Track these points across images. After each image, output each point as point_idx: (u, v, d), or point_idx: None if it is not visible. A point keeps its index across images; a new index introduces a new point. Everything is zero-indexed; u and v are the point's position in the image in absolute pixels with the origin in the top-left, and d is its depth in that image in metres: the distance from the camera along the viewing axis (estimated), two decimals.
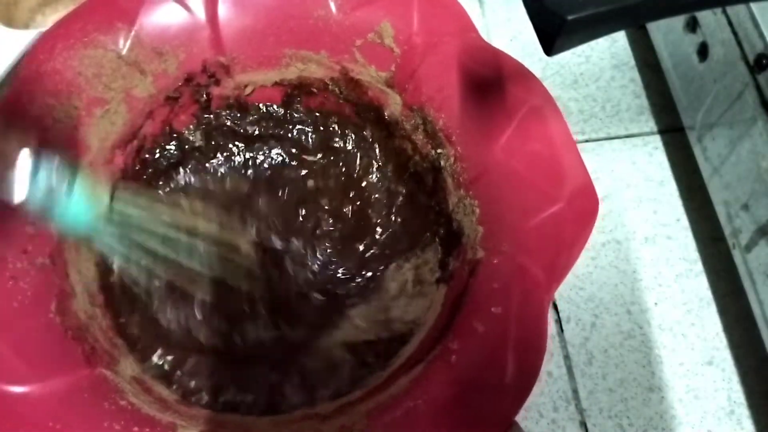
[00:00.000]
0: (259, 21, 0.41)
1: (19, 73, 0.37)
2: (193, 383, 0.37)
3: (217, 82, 0.43)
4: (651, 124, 0.56)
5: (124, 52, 0.39)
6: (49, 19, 0.56)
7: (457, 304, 0.34)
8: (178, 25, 0.40)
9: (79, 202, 0.33)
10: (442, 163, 0.40)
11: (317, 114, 0.46)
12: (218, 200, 0.44)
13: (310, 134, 0.46)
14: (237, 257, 0.41)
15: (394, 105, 0.42)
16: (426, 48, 0.39)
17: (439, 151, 0.40)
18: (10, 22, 0.51)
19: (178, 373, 0.38)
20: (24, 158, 0.30)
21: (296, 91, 0.44)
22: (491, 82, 0.36)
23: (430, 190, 0.42)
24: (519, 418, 0.40)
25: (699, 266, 0.50)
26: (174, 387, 0.37)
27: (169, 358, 0.38)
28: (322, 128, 0.46)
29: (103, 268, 0.39)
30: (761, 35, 0.39)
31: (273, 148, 0.46)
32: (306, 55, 0.42)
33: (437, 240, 0.41)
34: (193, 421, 0.33)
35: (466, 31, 0.38)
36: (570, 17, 0.23)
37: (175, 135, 0.44)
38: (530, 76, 0.36)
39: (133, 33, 0.39)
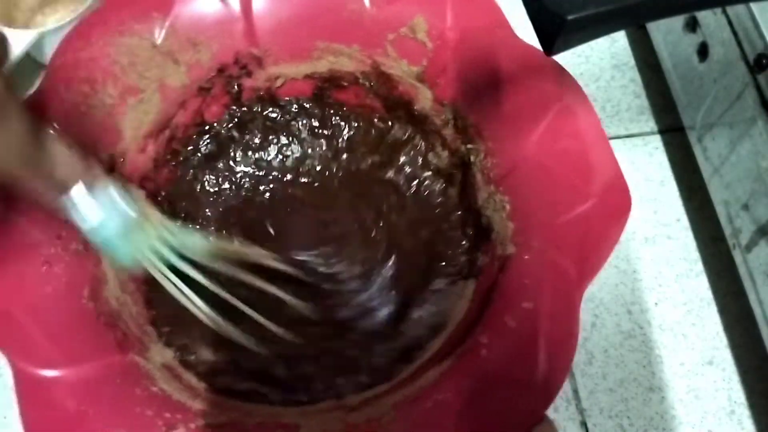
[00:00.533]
0: (293, 13, 0.41)
1: (55, 60, 0.38)
2: (221, 373, 0.37)
3: (249, 74, 0.43)
4: (651, 124, 0.56)
5: (159, 41, 0.39)
6: (49, 19, 0.56)
7: (487, 299, 0.34)
8: (213, 16, 0.40)
9: (131, 242, 0.33)
10: (472, 158, 0.40)
11: (346, 109, 0.46)
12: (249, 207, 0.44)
13: (342, 128, 0.46)
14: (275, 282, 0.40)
15: (424, 100, 0.42)
16: (459, 43, 0.39)
17: (469, 146, 0.40)
18: (10, 22, 0.51)
19: (207, 362, 0.38)
20: (104, 188, 0.31)
21: (327, 84, 0.45)
22: (524, 78, 0.36)
23: (459, 186, 0.42)
24: None
25: (699, 266, 0.50)
26: (203, 375, 0.37)
27: (199, 347, 0.38)
28: (353, 123, 0.46)
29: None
30: (761, 35, 0.39)
31: (301, 141, 0.46)
32: (338, 48, 0.42)
33: (466, 236, 0.41)
34: (221, 409, 0.33)
35: (500, 26, 0.38)
36: (570, 17, 0.23)
37: (206, 126, 0.44)
38: (564, 73, 0.36)
39: (168, 23, 0.39)
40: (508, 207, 0.36)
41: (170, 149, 0.43)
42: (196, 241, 0.36)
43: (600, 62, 0.59)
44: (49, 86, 0.37)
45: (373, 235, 0.44)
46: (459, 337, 0.35)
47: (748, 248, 0.42)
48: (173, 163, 0.44)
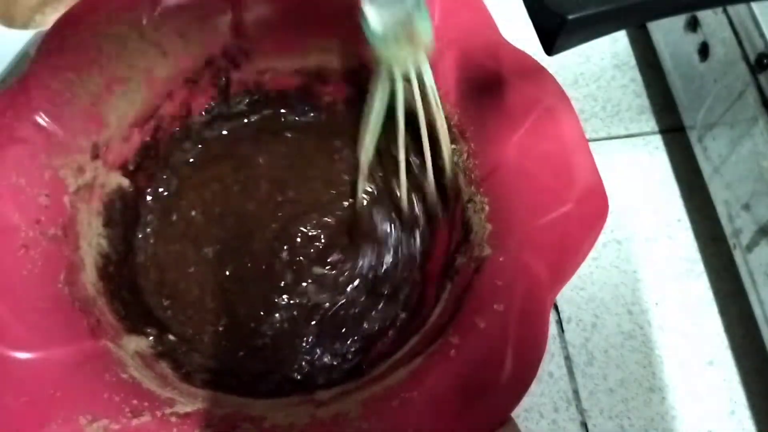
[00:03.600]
0: (282, 7, 0.41)
1: (42, 46, 0.38)
2: (194, 363, 0.38)
3: (237, 67, 0.43)
4: (651, 124, 0.56)
5: (146, 32, 0.39)
6: (49, 19, 0.56)
7: (461, 300, 0.34)
8: (201, 8, 0.40)
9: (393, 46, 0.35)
10: (455, 158, 0.40)
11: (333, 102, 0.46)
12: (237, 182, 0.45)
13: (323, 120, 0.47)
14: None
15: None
16: (446, 43, 0.39)
17: (453, 146, 0.40)
18: (10, 22, 0.51)
19: (180, 351, 0.38)
20: None
21: (314, 80, 0.45)
22: (508, 80, 0.36)
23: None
24: (519, 419, 0.41)
25: (700, 266, 0.50)
26: (175, 364, 0.37)
27: (172, 337, 0.38)
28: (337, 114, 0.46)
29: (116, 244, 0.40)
30: (762, 35, 0.39)
31: (288, 132, 0.47)
32: (326, 44, 0.42)
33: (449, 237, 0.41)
34: (191, 399, 0.33)
35: (487, 28, 0.39)
36: (570, 17, 0.23)
37: (191, 117, 0.44)
38: (547, 76, 0.36)
39: (156, 13, 0.39)
40: (487, 208, 0.36)
41: (155, 139, 0.43)
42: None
43: (600, 62, 0.59)
44: (34, 73, 0.37)
45: (352, 228, 0.44)
46: (431, 337, 0.35)
47: (749, 248, 0.42)
48: (157, 154, 0.44)
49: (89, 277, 0.36)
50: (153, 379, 0.33)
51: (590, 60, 0.59)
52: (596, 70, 0.59)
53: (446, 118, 0.39)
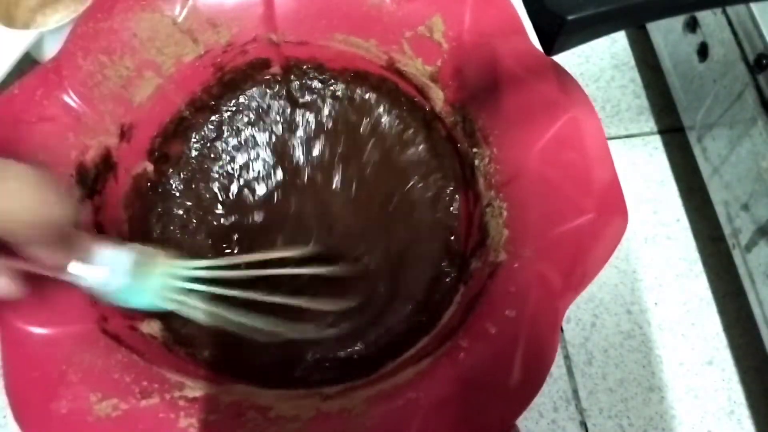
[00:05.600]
0: (314, 3, 0.42)
1: (75, 28, 0.38)
2: (207, 349, 0.38)
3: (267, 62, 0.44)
4: (651, 125, 0.56)
5: (180, 19, 0.40)
6: (49, 19, 0.56)
7: (473, 304, 0.34)
8: None
9: (141, 287, 0.33)
10: (477, 162, 0.40)
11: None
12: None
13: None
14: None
15: (436, 100, 0.42)
16: (474, 46, 0.39)
17: (475, 150, 0.40)
18: (10, 22, 0.51)
19: (194, 337, 0.38)
20: (96, 245, 0.31)
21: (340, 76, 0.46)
22: (535, 87, 0.36)
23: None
24: (519, 418, 0.40)
25: (699, 266, 0.50)
26: (186, 349, 0.37)
27: (183, 322, 0.38)
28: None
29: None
30: (761, 35, 0.39)
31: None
32: (356, 41, 0.42)
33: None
34: (200, 383, 0.33)
35: (517, 33, 0.39)
36: (570, 17, 0.23)
37: (219, 102, 0.45)
38: (575, 85, 0.36)
39: (190, 2, 0.40)
40: (505, 214, 0.36)
41: (180, 124, 0.44)
42: (201, 263, 0.36)
43: (600, 62, 0.59)
44: (68, 53, 0.38)
45: (374, 229, 0.44)
46: (440, 339, 0.35)
47: (748, 248, 0.42)
48: (182, 139, 0.44)
49: None
50: (163, 362, 0.34)
51: (590, 60, 0.59)
52: (596, 71, 0.59)
53: (471, 121, 0.39)
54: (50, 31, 0.50)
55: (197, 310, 0.34)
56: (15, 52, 0.49)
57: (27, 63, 0.50)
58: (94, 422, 0.29)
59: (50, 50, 0.51)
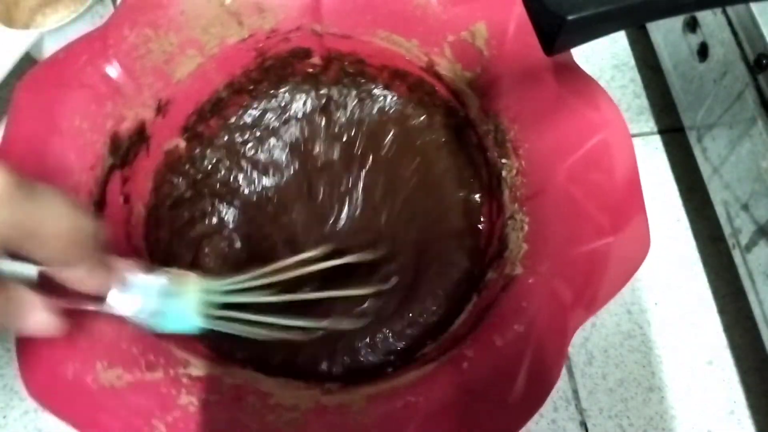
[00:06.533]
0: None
1: (126, 1, 0.39)
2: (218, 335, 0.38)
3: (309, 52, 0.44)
4: (651, 124, 0.56)
5: (228, 1, 0.41)
6: (49, 19, 0.56)
7: (484, 314, 0.34)
8: None
9: (180, 312, 0.33)
10: (504, 173, 0.40)
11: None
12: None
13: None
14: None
15: (471, 106, 0.42)
16: (515, 57, 0.39)
17: (504, 161, 0.40)
18: (10, 23, 0.51)
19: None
20: (134, 272, 0.31)
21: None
22: (571, 104, 0.36)
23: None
24: None
25: (699, 266, 0.50)
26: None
27: None
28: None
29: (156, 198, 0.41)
30: (761, 35, 0.39)
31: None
32: (398, 40, 0.42)
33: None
34: (204, 363, 0.34)
35: None
36: (570, 17, 0.23)
37: (257, 87, 0.46)
38: (612, 107, 0.36)
39: None
40: (526, 228, 0.36)
41: (216, 106, 0.44)
42: (233, 279, 0.36)
43: (600, 62, 0.59)
44: (115, 23, 0.38)
45: (401, 229, 0.44)
46: (446, 346, 0.35)
47: (748, 248, 0.42)
48: (216, 118, 0.45)
49: (132, 228, 0.37)
50: (171, 337, 0.34)
51: (590, 60, 0.59)
52: (596, 71, 0.59)
53: (503, 131, 0.39)
54: (50, 31, 0.50)
55: (236, 324, 0.34)
56: (15, 52, 0.49)
57: (27, 63, 0.50)
58: (96, 390, 0.30)
59: (50, 50, 0.51)
